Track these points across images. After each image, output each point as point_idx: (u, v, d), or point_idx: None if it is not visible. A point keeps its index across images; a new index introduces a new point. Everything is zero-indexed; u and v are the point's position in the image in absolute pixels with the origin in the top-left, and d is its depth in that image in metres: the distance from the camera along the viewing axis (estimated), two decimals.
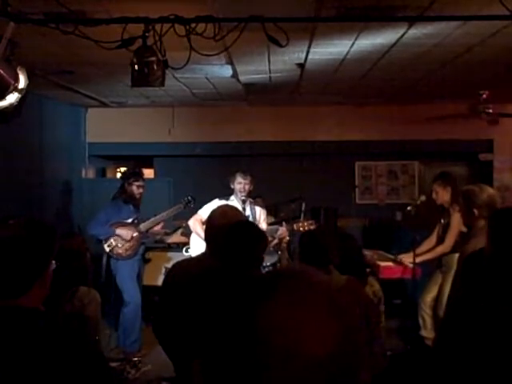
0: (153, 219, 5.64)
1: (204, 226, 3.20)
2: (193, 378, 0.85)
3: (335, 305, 0.74)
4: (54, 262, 1.65)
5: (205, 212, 4.73)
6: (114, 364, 5.08)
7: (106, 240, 5.49)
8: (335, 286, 0.79)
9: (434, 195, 5.22)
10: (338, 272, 3.08)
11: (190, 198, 5.91)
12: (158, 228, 5.76)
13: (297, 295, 0.73)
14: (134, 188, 5.55)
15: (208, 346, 0.76)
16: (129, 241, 5.49)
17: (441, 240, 5.13)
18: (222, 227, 2.78)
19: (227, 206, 3.39)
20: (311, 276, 0.78)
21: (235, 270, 2.50)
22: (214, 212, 3.09)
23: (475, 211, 3.32)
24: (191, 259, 3.69)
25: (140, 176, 5.64)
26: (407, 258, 5.08)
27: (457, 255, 4.73)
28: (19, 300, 1.53)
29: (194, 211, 5.21)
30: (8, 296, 1.53)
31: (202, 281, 2.53)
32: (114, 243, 5.48)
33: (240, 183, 5.06)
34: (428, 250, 5.20)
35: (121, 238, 5.47)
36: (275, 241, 5.37)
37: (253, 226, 2.89)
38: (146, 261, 6.20)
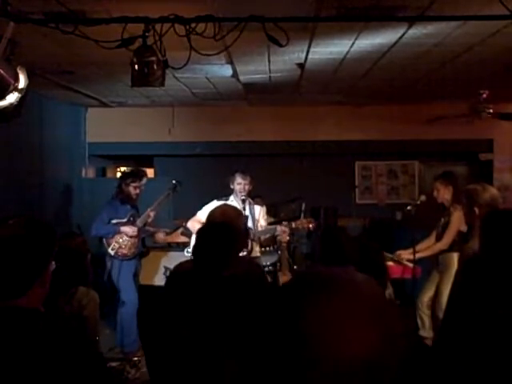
0: (145, 213, 5.67)
1: None
2: (225, 378, 0.87)
3: (377, 311, 0.78)
4: (53, 262, 1.65)
5: (203, 213, 4.72)
6: (113, 364, 5.08)
7: (109, 244, 5.50)
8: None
9: (435, 193, 5.22)
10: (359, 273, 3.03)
11: (175, 182, 5.88)
12: (151, 219, 5.73)
13: (342, 299, 0.77)
14: (131, 189, 5.58)
15: (247, 347, 0.79)
16: (132, 237, 5.52)
17: (439, 238, 5.14)
18: None
19: (226, 205, 3.38)
20: (356, 281, 0.83)
21: (207, 271, 2.42)
22: (213, 211, 3.08)
23: (476, 210, 3.32)
24: (191, 260, 3.68)
25: (137, 177, 5.65)
26: (405, 255, 5.07)
27: (454, 254, 4.76)
28: (19, 300, 1.53)
29: (193, 210, 5.20)
30: (7, 296, 1.53)
31: (183, 282, 2.49)
32: (117, 245, 5.49)
33: (240, 184, 5.05)
34: (427, 247, 5.21)
35: (125, 236, 5.50)
36: (277, 234, 5.32)
37: (226, 227, 2.77)
38: (145, 253, 6.17)
